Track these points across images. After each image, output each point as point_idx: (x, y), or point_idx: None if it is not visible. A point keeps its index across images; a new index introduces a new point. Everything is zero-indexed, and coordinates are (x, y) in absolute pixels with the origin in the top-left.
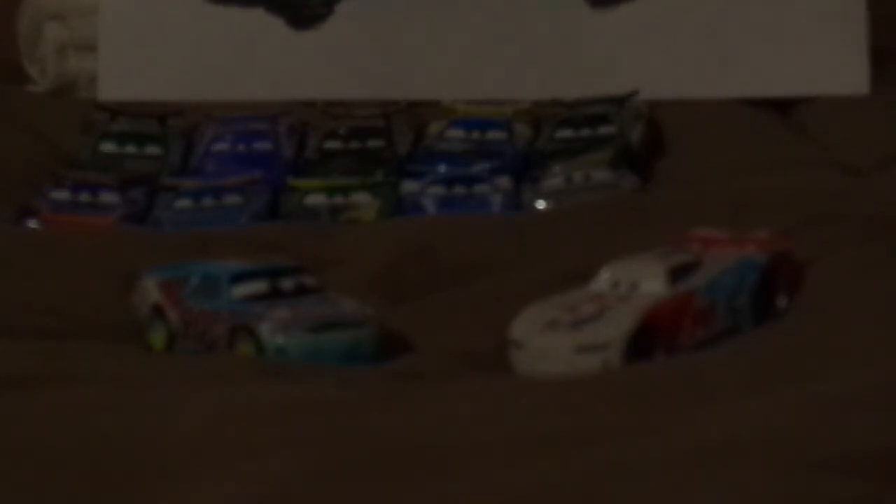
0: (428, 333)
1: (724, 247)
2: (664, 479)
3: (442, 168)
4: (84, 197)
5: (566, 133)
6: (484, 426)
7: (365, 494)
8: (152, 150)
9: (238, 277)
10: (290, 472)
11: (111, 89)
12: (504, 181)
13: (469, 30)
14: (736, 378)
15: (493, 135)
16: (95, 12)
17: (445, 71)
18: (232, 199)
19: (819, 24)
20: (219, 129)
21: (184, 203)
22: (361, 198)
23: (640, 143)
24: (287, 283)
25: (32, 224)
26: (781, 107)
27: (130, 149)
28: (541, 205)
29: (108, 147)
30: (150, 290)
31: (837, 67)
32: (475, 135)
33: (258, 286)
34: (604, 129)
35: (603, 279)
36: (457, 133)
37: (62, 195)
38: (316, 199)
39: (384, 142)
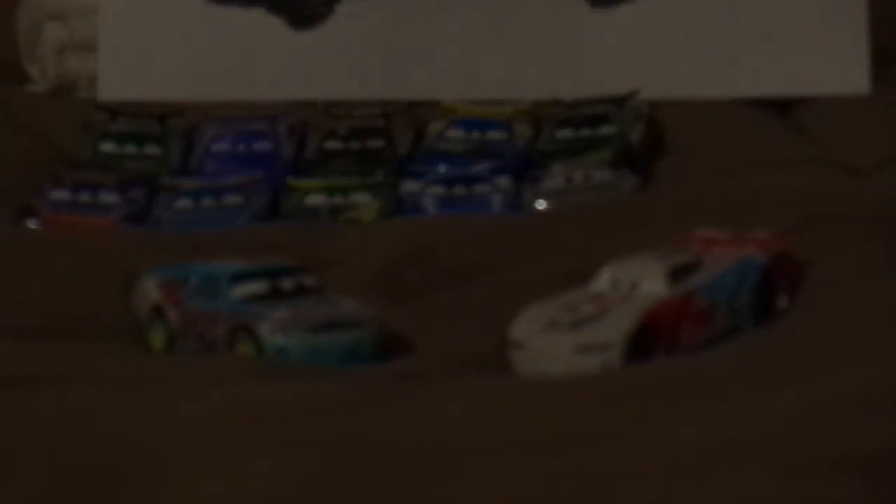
0: (428, 333)
1: (724, 247)
2: (664, 479)
3: (442, 168)
4: (84, 197)
5: (566, 133)
6: (484, 426)
7: (365, 494)
8: (152, 150)
9: (238, 277)
10: (290, 473)
11: (111, 89)
12: (504, 181)
13: (469, 30)
14: (736, 378)
15: (493, 135)
16: (95, 12)
17: (445, 71)
18: (232, 199)
19: (819, 24)
20: (219, 129)
21: (184, 203)
22: (361, 198)
23: (640, 143)
24: (287, 283)
25: (32, 224)
26: (781, 107)
27: (130, 149)
28: (541, 205)
29: (108, 147)
30: (150, 290)
31: (837, 67)
32: (475, 135)
33: (258, 286)
34: (604, 129)
35: (603, 279)
36: (457, 133)
37: (62, 195)
38: (316, 199)
39: (384, 142)
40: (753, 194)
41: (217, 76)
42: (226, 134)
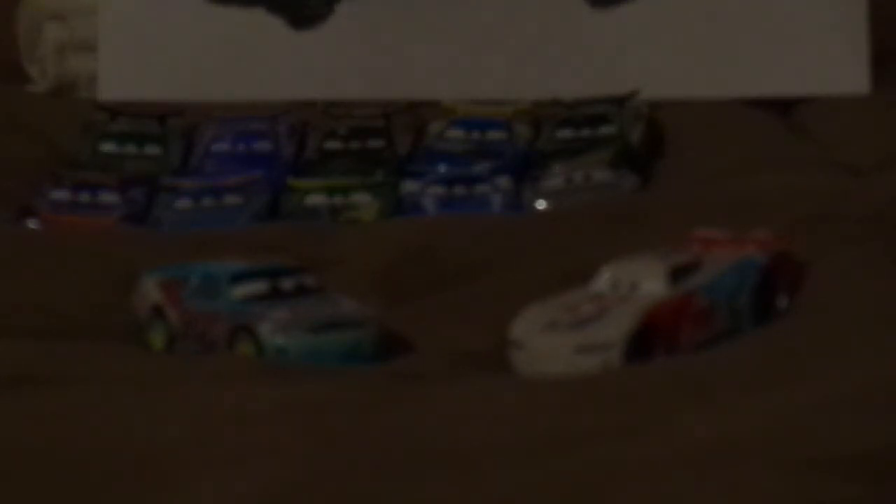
0: (428, 333)
1: (724, 247)
2: (664, 479)
3: (442, 168)
4: (84, 197)
5: (566, 133)
6: (484, 426)
7: (365, 494)
8: (152, 150)
9: (238, 277)
10: (290, 473)
11: (111, 89)
12: (504, 181)
13: (469, 30)
14: (736, 378)
15: (493, 135)
16: (95, 12)
17: (445, 71)
18: (232, 199)
19: (819, 24)
20: (219, 129)
21: (184, 203)
22: (361, 198)
23: (640, 143)
24: (287, 283)
25: (32, 224)
26: (781, 107)
27: (130, 149)
28: (541, 205)
29: (108, 147)
30: (150, 290)
31: (837, 67)
32: (475, 135)
33: (258, 286)
34: (604, 129)
35: (603, 279)
36: (457, 133)
37: (62, 195)
38: (316, 199)
39: (384, 142)
40: (753, 194)
41: (217, 76)
42: (226, 134)
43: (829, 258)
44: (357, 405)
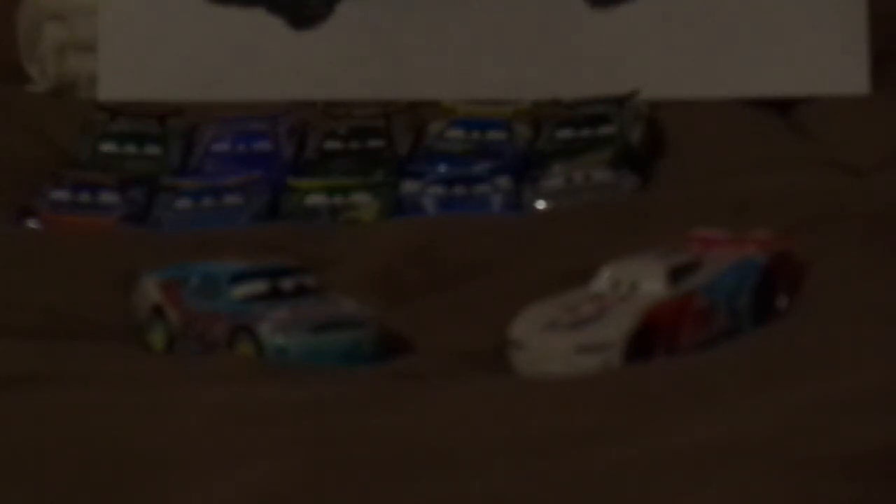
0: (428, 333)
1: (724, 247)
2: (664, 479)
3: (442, 168)
4: (84, 197)
5: (566, 133)
6: (484, 426)
7: (365, 494)
8: (152, 150)
9: (238, 277)
10: (290, 473)
11: (111, 89)
12: (504, 181)
13: (469, 30)
14: (736, 378)
15: (493, 135)
16: (95, 12)
17: (445, 71)
18: (232, 199)
19: (819, 24)
20: (219, 129)
21: (184, 203)
22: (361, 198)
23: (640, 143)
24: (287, 283)
25: (32, 224)
26: (781, 107)
27: (130, 149)
28: (541, 205)
29: (108, 147)
30: (150, 290)
31: (837, 67)
32: (475, 135)
33: (258, 286)
34: (604, 129)
35: (603, 279)
36: (457, 133)
37: (62, 195)
38: (316, 199)
39: (384, 142)
40: (753, 194)
41: (217, 76)
42: (226, 134)
43: (829, 258)
44: (357, 405)
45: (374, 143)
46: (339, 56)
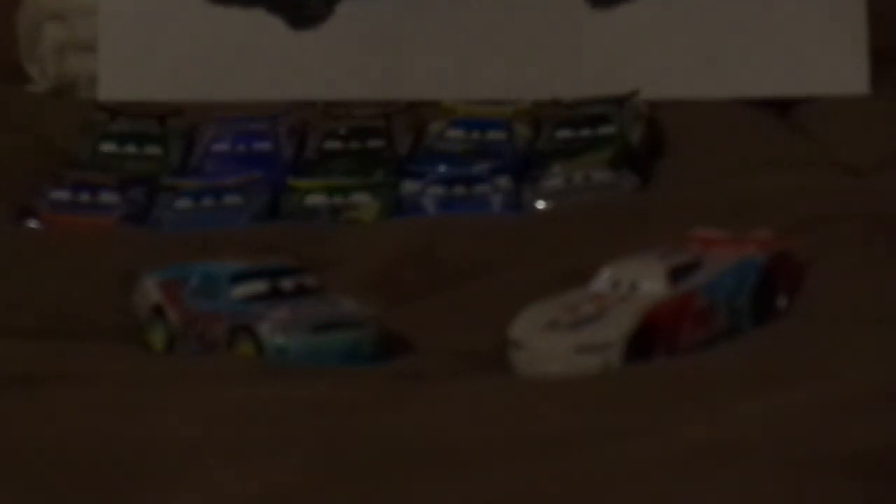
0: (428, 333)
1: (724, 247)
2: (664, 479)
3: (442, 168)
4: (84, 197)
5: (566, 133)
6: (484, 426)
7: (365, 494)
8: (152, 150)
9: (238, 277)
10: (290, 473)
11: (111, 89)
12: (504, 181)
13: (469, 30)
14: (736, 378)
15: (493, 135)
16: (95, 12)
17: (445, 71)
18: (232, 199)
19: (819, 24)
20: (219, 129)
21: (184, 203)
22: (361, 198)
23: (640, 143)
24: (287, 283)
25: (32, 224)
26: (781, 107)
27: (130, 149)
28: (541, 205)
29: (108, 147)
30: (150, 290)
31: (837, 67)
32: (475, 135)
33: (258, 286)
34: (604, 129)
35: (603, 279)
36: (457, 133)
37: (62, 195)
38: (316, 199)
39: (384, 142)
40: (753, 194)
41: (217, 76)
42: (226, 134)
43: (829, 258)
44: (357, 405)
45: (374, 143)
46: (339, 56)
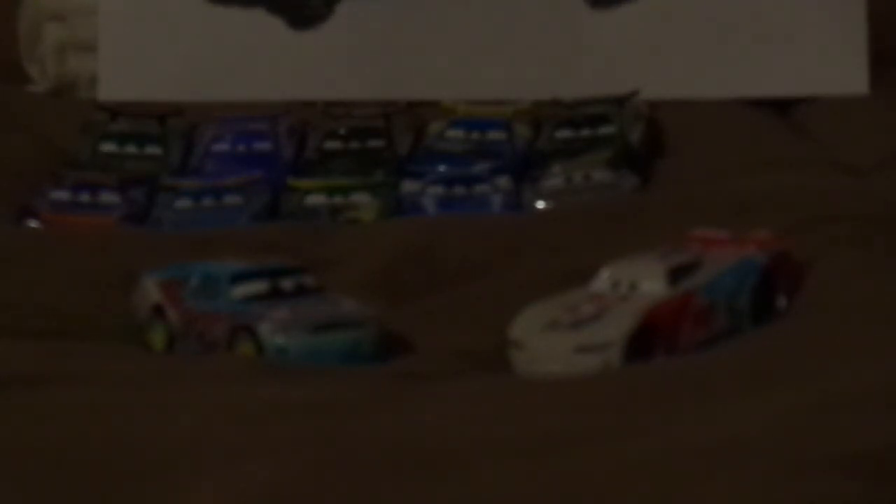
0: (428, 333)
1: (724, 247)
2: (664, 479)
3: (442, 168)
4: (84, 197)
5: (566, 133)
6: (484, 426)
7: (364, 495)
8: (152, 150)
9: (238, 277)
10: (290, 473)
11: (111, 89)
12: (504, 181)
13: (469, 30)
14: (736, 378)
15: (493, 135)
16: (95, 12)
17: (445, 71)
18: (232, 199)
19: (819, 24)
20: (219, 129)
21: (184, 203)
22: (361, 198)
23: (640, 143)
24: (287, 283)
25: (32, 224)
26: (781, 107)
27: (130, 149)
28: (541, 205)
29: (108, 147)
30: (150, 290)
31: (837, 67)
32: (475, 135)
33: (258, 286)
34: (604, 129)
35: (603, 279)
36: (457, 133)
37: (62, 195)
38: (316, 199)
39: (384, 142)
40: (753, 194)
41: (217, 76)
42: (226, 134)
43: (829, 258)
44: (357, 405)
45: (374, 143)
46: (339, 56)
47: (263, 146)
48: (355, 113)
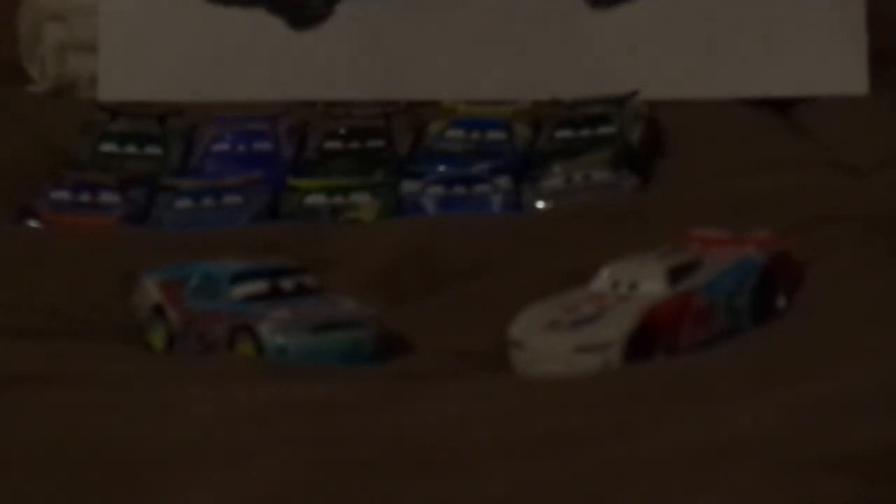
0: (428, 333)
1: (723, 247)
2: (664, 479)
3: (442, 168)
4: (84, 197)
5: (566, 133)
6: (484, 426)
7: (364, 495)
8: (152, 150)
9: (238, 277)
10: (290, 473)
11: (111, 89)
12: (504, 181)
13: (469, 30)
14: (736, 378)
15: (493, 135)
16: (95, 12)
17: (445, 71)
18: (232, 199)
19: (819, 24)
20: (219, 129)
21: (184, 203)
22: (361, 198)
23: (640, 143)
24: (287, 283)
25: (33, 224)
26: (781, 107)
27: (130, 149)
28: (541, 205)
29: (108, 147)
30: (150, 290)
31: (837, 67)
32: (475, 135)
33: (258, 286)
34: (604, 129)
35: (603, 279)
36: (457, 133)
37: (62, 195)
38: (316, 199)
39: (384, 142)
40: (753, 194)
41: (217, 76)
42: (226, 134)
43: (829, 258)
44: (357, 405)
45: (374, 143)
46: (339, 56)
47: (263, 146)
48: (355, 113)
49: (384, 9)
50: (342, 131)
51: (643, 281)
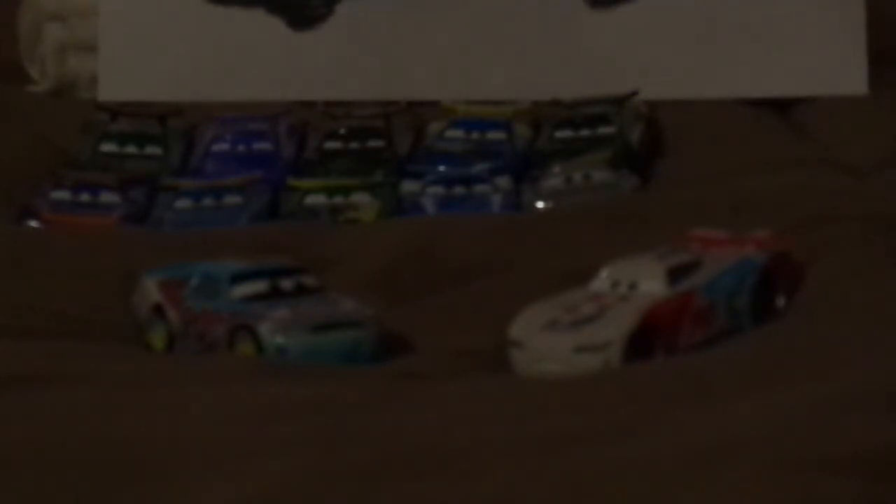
0: (428, 333)
1: (723, 247)
2: (664, 479)
3: (442, 168)
4: (84, 197)
5: (566, 133)
6: (484, 426)
7: (365, 494)
8: (152, 150)
9: (238, 277)
10: (291, 473)
11: (111, 89)
12: (504, 181)
13: (469, 30)
14: (736, 378)
15: (493, 135)
16: (95, 12)
17: (445, 71)
18: (232, 199)
19: (818, 24)
20: (219, 129)
21: (184, 203)
22: (361, 198)
23: (640, 143)
24: (287, 283)
25: (33, 224)
26: (781, 107)
27: (130, 149)
28: (541, 205)
29: (108, 147)
30: (150, 290)
31: (837, 67)
32: (475, 135)
33: (258, 286)
34: (604, 129)
35: (603, 279)
36: (457, 133)
37: (62, 195)
38: (316, 199)
39: (384, 142)
40: (753, 194)
41: (217, 76)
42: (226, 134)
43: (829, 258)
44: (357, 405)
45: (374, 143)
46: (339, 56)
47: (263, 146)
48: (355, 113)
49: (384, 9)
50: (342, 131)
51: (643, 281)
